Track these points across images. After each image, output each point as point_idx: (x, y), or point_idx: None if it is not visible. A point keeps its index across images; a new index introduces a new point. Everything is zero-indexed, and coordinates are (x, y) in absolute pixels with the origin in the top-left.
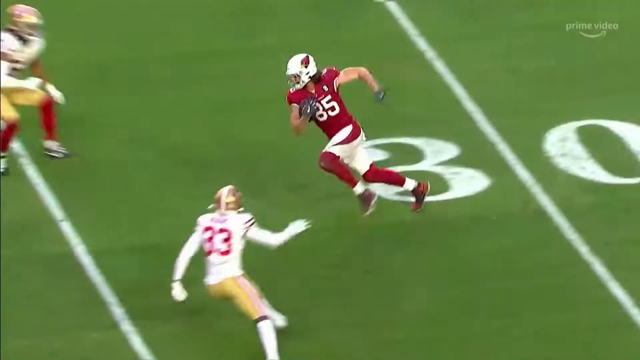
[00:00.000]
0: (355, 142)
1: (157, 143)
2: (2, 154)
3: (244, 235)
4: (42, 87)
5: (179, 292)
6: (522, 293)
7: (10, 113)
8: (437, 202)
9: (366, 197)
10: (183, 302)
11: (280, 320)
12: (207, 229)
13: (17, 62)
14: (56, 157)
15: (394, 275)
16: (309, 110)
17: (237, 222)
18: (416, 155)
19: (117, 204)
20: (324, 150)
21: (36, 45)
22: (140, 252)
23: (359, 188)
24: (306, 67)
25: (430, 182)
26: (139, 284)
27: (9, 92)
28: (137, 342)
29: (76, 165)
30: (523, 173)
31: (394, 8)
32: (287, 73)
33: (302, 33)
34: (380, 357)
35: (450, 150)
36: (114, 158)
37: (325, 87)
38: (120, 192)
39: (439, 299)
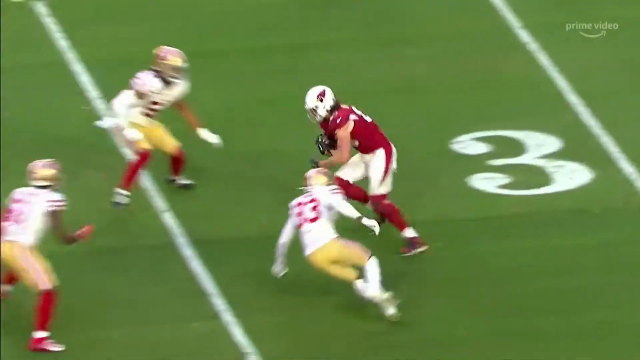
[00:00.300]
0: (392, 165)
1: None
2: (124, 191)
3: (329, 202)
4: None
5: (279, 270)
6: (624, 287)
7: (144, 145)
8: (539, 195)
9: (414, 242)
10: (283, 276)
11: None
12: (298, 205)
13: (155, 103)
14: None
15: (493, 267)
16: (320, 149)
17: (324, 190)
18: (518, 148)
19: (218, 196)
20: (371, 194)
21: (179, 88)
22: (241, 243)
23: (409, 232)
24: (322, 101)
25: (532, 176)
26: (241, 275)
27: (148, 130)
28: (238, 333)
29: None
30: (627, 167)
31: (496, 0)
32: (305, 107)
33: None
34: (495, 346)
35: (553, 143)
36: (214, 150)
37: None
38: (222, 184)
39: (542, 288)
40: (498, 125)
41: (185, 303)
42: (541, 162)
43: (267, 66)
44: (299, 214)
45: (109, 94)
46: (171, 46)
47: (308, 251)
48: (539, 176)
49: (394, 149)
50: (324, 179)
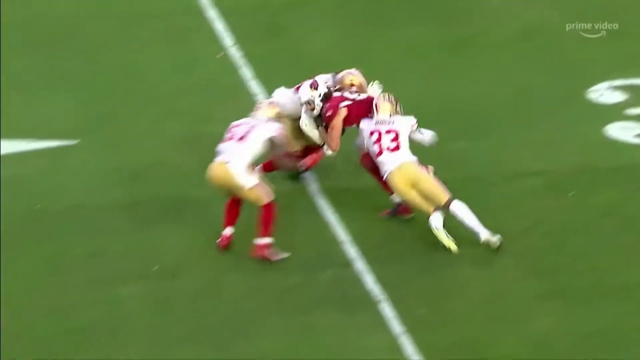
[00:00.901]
0: None
1: None
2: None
3: (409, 134)
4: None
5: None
6: None
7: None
8: None
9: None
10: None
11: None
12: (372, 133)
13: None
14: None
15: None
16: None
17: (405, 123)
18: None
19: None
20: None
21: None
22: (374, 191)
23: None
24: (316, 89)
25: None
26: (372, 223)
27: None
28: (370, 281)
29: None
30: None
31: None
32: (300, 102)
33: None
34: None
35: None
36: None
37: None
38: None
39: None
40: (635, 73)
41: (317, 251)
42: None
43: None
44: (378, 140)
45: (242, 41)
46: None
47: (386, 172)
48: None
49: None
50: (389, 106)
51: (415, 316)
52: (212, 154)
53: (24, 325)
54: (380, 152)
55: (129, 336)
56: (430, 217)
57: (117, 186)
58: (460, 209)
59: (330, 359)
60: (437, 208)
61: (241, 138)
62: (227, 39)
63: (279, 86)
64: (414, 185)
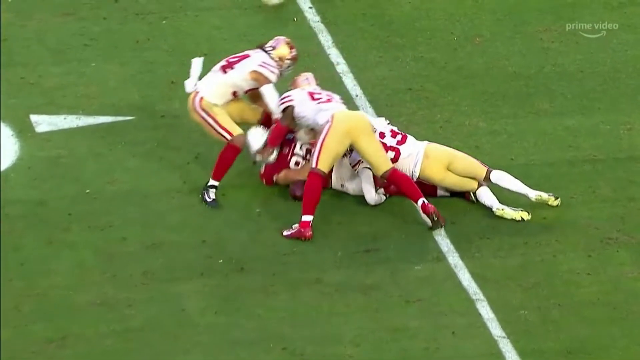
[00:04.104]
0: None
1: None
2: (214, 183)
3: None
4: None
5: None
6: None
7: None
8: None
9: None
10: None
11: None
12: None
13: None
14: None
15: None
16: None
17: (379, 123)
18: None
19: None
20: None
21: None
22: None
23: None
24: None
25: None
26: (463, 213)
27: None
28: (464, 277)
29: None
30: None
31: None
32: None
33: None
34: None
35: None
36: None
37: None
38: None
39: None
40: None
41: (405, 243)
42: None
43: None
44: (384, 146)
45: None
46: None
47: (416, 168)
48: None
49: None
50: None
51: (517, 317)
52: None
53: (71, 325)
54: (398, 154)
55: (190, 338)
56: (479, 195)
57: (176, 169)
58: (503, 176)
59: None
60: (479, 183)
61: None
62: (303, 2)
63: (361, 56)
64: (449, 167)
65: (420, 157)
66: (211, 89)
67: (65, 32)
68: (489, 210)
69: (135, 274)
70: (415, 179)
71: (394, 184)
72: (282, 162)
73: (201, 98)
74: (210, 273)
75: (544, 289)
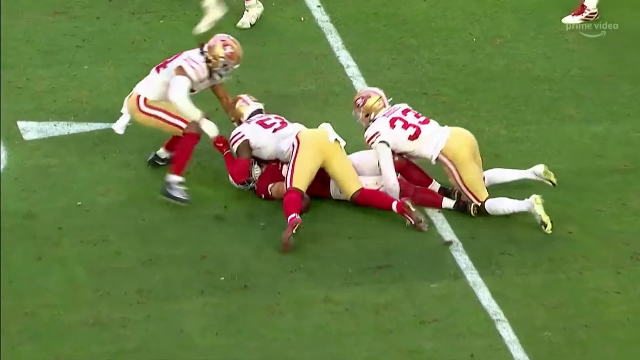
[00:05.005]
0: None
1: None
2: (178, 179)
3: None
4: None
5: None
6: None
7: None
8: None
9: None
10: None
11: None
12: (392, 123)
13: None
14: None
15: None
16: None
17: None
18: None
19: None
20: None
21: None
22: None
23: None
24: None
25: None
26: (482, 226)
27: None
28: (484, 296)
29: None
30: None
31: None
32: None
33: None
34: None
35: None
36: None
37: None
38: None
39: None
40: None
41: (420, 259)
42: None
43: None
44: (404, 126)
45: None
46: None
47: (436, 151)
48: None
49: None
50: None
51: (541, 339)
52: None
53: (61, 346)
54: (418, 131)
55: None
56: (491, 204)
57: None
58: (496, 176)
59: None
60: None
61: None
62: (311, 0)
63: (372, 58)
64: (475, 157)
65: (445, 136)
66: (151, 88)
67: (56, 32)
68: (509, 224)
69: (130, 292)
70: (433, 161)
71: (365, 203)
72: (275, 173)
73: (145, 98)
74: (210, 291)
75: (570, 308)
